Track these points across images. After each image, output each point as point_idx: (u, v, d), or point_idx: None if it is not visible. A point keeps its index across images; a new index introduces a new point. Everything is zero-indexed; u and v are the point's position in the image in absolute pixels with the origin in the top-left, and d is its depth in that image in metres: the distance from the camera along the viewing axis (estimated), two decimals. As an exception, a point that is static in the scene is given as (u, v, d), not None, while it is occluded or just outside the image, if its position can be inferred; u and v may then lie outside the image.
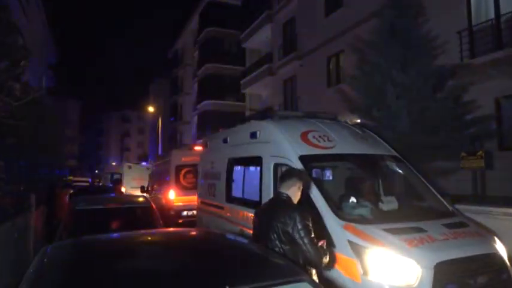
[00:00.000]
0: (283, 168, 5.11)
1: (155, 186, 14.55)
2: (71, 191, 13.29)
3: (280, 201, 3.29)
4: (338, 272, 3.65)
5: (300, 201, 3.39)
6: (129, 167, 20.55)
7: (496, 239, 4.05)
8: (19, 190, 8.41)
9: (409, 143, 7.20)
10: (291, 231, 3.00)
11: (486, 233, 4.16)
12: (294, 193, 3.31)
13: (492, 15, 9.09)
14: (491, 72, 7.97)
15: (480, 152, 6.39)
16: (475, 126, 7.94)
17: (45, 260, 2.26)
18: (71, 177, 30.45)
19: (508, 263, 3.78)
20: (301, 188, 3.35)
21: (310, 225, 3.06)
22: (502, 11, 8.87)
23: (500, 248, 3.90)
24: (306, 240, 2.96)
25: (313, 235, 3.02)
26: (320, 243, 3.04)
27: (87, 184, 27.58)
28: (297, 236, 2.98)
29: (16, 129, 7.22)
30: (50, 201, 10.73)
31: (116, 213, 5.70)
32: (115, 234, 2.96)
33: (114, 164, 24.07)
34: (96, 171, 60.63)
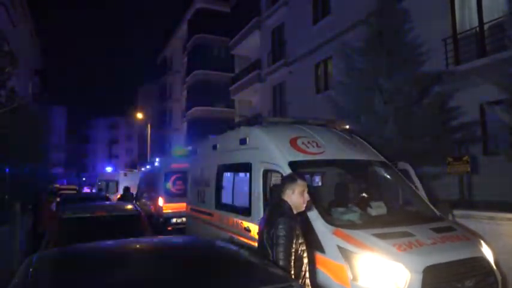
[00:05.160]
0: (273, 174, 5.13)
1: (144, 194, 14.40)
2: (58, 199, 13.06)
3: (274, 207, 3.19)
4: (327, 277, 3.66)
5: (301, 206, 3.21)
6: (125, 174, 20.42)
7: (482, 242, 4.11)
8: (3, 198, 8.24)
9: (396, 148, 7.30)
10: (271, 237, 2.94)
11: (473, 237, 4.22)
12: (292, 199, 3.14)
13: (476, 23, 9.32)
14: (476, 78, 8.14)
15: (466, 157, 6.50)
16: (460, 131, 8.10)
17: (31, 269, 2.21)
18: (57, 185, 29.91)
19: (494, 267, 3.84)
20: (299, 191, 3.14)
21: (292, 236, 2.90)
22: (485, 19, 9.10)
23: (487, 252, 3.96)
24: (279, 248, 2.84)
25: (289, 247, 2.86)
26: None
27: (75, 192, 27.09)
28: (274, 242, 2.89)
29: (1, 136, 7.10)
30: (35, 209, 10.53)
31: (103, 222, 5.61)
32: (102, 243, 2.91)
33: (109, 171, 23.26)
34: (84, 179, 59.75)
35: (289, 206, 3.10)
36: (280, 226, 2.90)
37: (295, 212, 3.12)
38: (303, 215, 4.07)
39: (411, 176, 5.36)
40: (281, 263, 2.82)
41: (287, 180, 3.25)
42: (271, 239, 2.94)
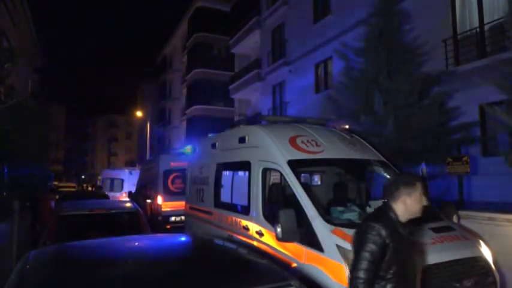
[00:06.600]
0: (272, 173, 5.13)
1: (143, 192, 14.38)
2: (57, 197, 13.02)
3: (373, 212, 2.74)
4: (326, 276, 3.65)
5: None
6: (130, 173, 20.38)
7: (481, 242, 4.10)
8: (2, 196, 8.22)
9: (396, 148, 7.29)
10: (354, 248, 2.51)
11: (472, 237, 4.21)
12: (408, 205, 2.58)
13: (476, 23, 9.31)
14: (476, 79, 8.14)
15: (465, 158, 6.50)
16: (460, 132, 8.10)
17: (28, 266, 2.21)
18: (56, 183, 29.91)
19: (493, 267, 3.83)
20: (416, 196, 2.57)
21: (382, 250, 2.39)
22: (486, 20, 9.09)
23: (486, 252, 3.95)
24: (360, 264, 2.39)
25: (373, 263, 2.37)
26: None
27: (74, 190, 27.03)
28: (355, 255, 2.47)
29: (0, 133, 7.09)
30: (34, 207, 10.51)
31: (102, 219, 5.62)
32: (100, 240, 2.90)
33: (114, 169, 22.75)
34: (83, 177, 59.76)
35: (396, 214, 2.57)
36: (368, 235, 2.42)
37: (403, 219, 2.60)
38: (302, 215, 4.07)
39: (424, 176, 5.36)
40: (360, 286, 2.34)
41: (404, 183, 2.62)
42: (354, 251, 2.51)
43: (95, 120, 76.12)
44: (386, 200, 2.68)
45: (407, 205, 2.58)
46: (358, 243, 2.46)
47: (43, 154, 18.78)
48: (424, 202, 2.64)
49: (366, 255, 2.38)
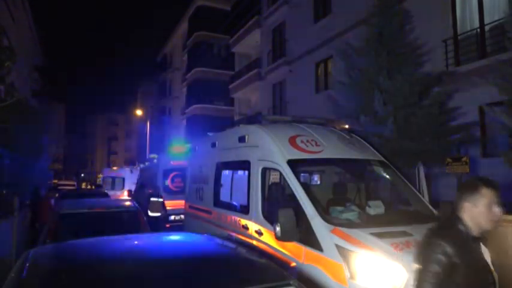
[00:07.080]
0: (272, 173, 5.13)
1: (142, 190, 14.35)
2: (56, 195, 13.02)
3: (440, 224, 2.39)
4: (325, 276, 3.66)
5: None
6: (131, 171, 20.44)
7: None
8: (2, 193, 8.23)
9: (395, 148, 7.30)
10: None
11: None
12: (474, 214, 2.22)
13: (477, 24, 9.31)
14: (476, 80, 8.14)
15: (465, 158, 6.52)
16: (460, 132, 8.10)
17: (27, 264, 2.21)
18: (55, 181, 29.94)
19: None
20: (484, 204, 2.19)
21: (440, 276, 2.08)
22: (486, 20, 9.09)
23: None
24: (421, 287, 2.12)
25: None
26: None
27: (74, 188, 27.07)
28: (417, 280, 2.17)
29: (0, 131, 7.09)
30: (34, 204, 10.53)
31: (101, 218, 5.62)
32: (99, 239, 2.91)
33: (115, 168, 22.93)
34: (82, 175, 59.70)
35: (466, 226, 2.23)
36: (432, 253, 2.12)
37: (475, 232, 2.26)
38: (301, 214, 4.07)
39: (420, 176, 5.36)
40: None
41: (466, 189, 2.29)
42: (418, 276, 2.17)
43: (94, 118, 76.07)
44: (453, 211, 2.35)
45: (473, 215, 2.23)
46: (422, 262, 2.18)
47: (43, 152, 18.78)
48: (498, 212, 2.22)
49: (429, 276, 2.10)
